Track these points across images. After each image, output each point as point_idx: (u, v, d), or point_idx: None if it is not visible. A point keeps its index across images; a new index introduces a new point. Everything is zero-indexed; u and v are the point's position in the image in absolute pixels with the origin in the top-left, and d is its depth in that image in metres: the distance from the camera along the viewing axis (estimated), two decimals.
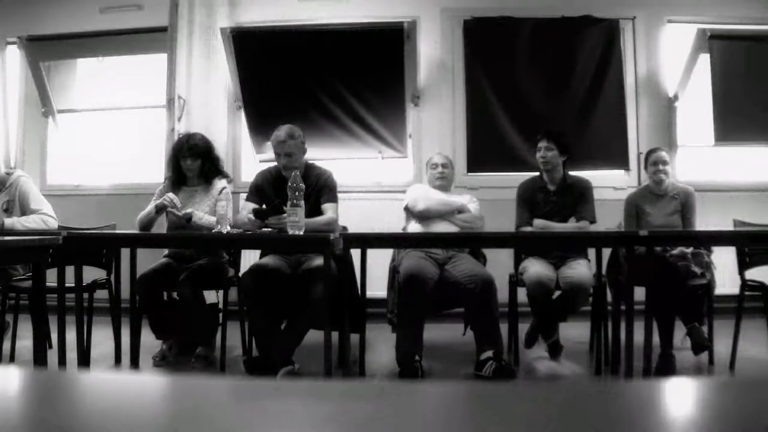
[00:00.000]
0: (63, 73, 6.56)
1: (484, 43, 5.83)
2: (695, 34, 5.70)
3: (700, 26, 5.72)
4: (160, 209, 3.99)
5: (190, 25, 5.53)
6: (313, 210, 3.88)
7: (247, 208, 3.98)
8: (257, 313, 3.78)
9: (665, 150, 4.28)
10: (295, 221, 3.45)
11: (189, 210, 3.98)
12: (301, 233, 3.45)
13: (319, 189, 4.02)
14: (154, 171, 5.80)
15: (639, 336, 3.38)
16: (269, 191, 4.07)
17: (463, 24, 5.86)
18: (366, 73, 5.75)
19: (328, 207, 3.98)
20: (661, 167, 4.22)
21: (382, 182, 5.93)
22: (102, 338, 4.24)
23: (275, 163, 4.17)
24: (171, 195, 3.98)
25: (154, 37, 5.93)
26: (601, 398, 0.51)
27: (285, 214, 3.57)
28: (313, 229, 3.71)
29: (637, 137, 5.84)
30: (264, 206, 3.95)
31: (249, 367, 3.79)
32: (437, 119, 5.90)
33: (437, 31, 5.92)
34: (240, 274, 4.11)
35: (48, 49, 6.22)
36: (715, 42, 5.64)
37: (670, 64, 5.91)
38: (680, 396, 0.53)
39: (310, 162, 4.18)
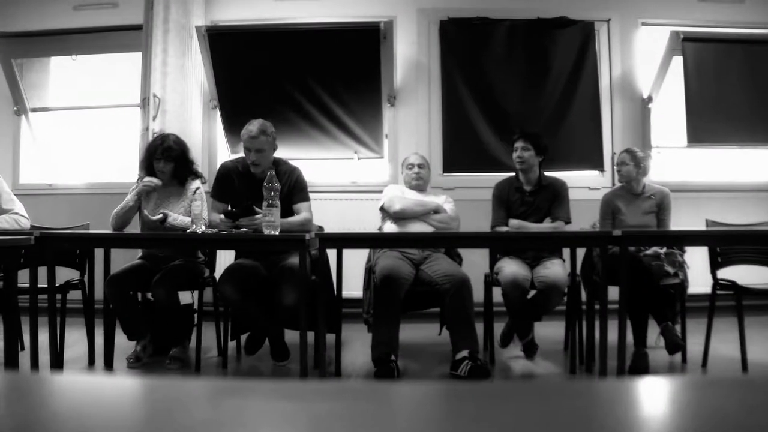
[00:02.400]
0: (36, 71, 6.48)
1: (461, 43, 5.84)
2: (669, 36, 5.76)
3: (674, 29, 5.78)
4: (140, 194, 3.99)
5: (165, 24, 5.47)
6: (284, 208, 3.86)
7: (216, 208, 3.97)
8: (237, 314, 3.88)
9: (632, 151, 4.30)
10: (271, 221, 3.43)
11: (163, 211, 3.95)
12: (277, 233, 3.44)
13: (290, 188, 4.01)
14: (128, 170, 5.74)
15: (613, 335, 3.41)
16: (237, 184, 4.05)
17: (439, 24, 5.87)
18: (342, 73, 5.74)
19: (301, 206, 3.98)
20: (619, 168, 4.28)
21: (358, 182, 5.92)
22: (75, 340, 4.20)
23: (240, 156, 4.15)
24: (149, 178, 3.99)
25: (129, 36, 5.87)
26: (575, 397, 0.51)
27: (257, 215, 3.57)
28: (288, 230, 3.70)
29: (612, 138, 5.88)
30: (232, 208, 3.93)
31: (248, 348, 4.03)
32: (413, 119, 5.90)
33: (414, 31, 5.93)
34: (215, 274, 4.10)
35: (20, 47, 6.14)
36: (688, 44, 5.70)
37: (644, 66, 5.96)
38: (654, 394, 0.54)
39: (277, 158, 4.14)
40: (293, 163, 4.22)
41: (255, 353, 4.02)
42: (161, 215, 3.90)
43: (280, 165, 4.09)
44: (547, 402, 0.49)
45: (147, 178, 4.02)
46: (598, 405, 0.49)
